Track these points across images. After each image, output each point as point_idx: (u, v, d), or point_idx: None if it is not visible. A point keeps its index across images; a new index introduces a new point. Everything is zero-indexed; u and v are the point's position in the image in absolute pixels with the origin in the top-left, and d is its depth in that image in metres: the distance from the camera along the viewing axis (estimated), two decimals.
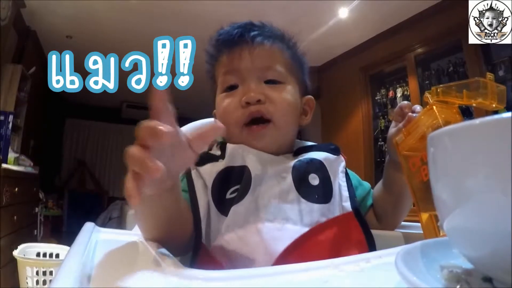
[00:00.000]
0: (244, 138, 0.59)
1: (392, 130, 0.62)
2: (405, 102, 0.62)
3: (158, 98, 0.35)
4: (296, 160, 0.59)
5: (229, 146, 0.59)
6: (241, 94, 0.60)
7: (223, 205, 0.53)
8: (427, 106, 0.54)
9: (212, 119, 0.37)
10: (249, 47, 0.61)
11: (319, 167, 0.59)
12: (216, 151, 0.62)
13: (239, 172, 0.55)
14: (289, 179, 0.56)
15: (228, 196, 0.54)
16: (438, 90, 0.53)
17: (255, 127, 0.59)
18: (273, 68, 0.62)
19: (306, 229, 0.52)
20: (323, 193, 0.56)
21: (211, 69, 0.68)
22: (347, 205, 0.57)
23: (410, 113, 0.59)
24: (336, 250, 0.51)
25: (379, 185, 0.68)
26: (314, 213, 0.54)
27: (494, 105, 0.49)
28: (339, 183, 0.59)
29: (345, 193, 0.58)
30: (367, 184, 0.71)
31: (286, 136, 0.63)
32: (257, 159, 0.57)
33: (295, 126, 0.64)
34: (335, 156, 0.62)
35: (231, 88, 0.62)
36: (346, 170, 0.63)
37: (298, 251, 0.49)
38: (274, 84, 0.61)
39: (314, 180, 0.57)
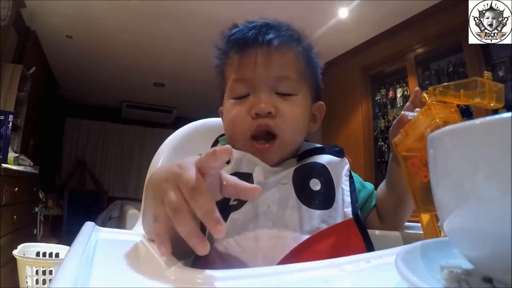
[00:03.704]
0: (248, 151, 0.58)
1: (391, 130, 0.61)
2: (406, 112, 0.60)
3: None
4: (298, 165, 0.58)
5: (234, 152, 0.57)
6: (251, 104, 0.57)
7: (225, 212, 0.52)
8: (425, 106, 0.53)
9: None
10: (264, 52, 0.58)
11: (322, 172, 0.57)
12: None
13: (243, 180, 0.54)
14: (290, 185, 0.55)
15: (231, 202, 0.53)
16: (436, 90, 0.52)
17: (260, 146, 0.57)
18: (287, 78, 0.59)
19: (305, 236, 0.51)
20: (325, 199, 0.55)
21: (220, 64, 0.65)
22: (348, 211, 0.56)
23: (406, 113, 0.58)
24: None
25: (382, 185, 0.68)
26: (314, 219, 0.53)
27: (492, 104, 0.49)
28: (342, 187, 0.58)
29: (347, 198, 0.57)
30: (370, 186, 0.70)
31: (292, 147, 0.61)
32: (262, 168, 0.56)
33: (303, 136, 0.62)
34: (339, 158, 0.61)
35: (241, 95, 0.60)
36: (350, 173, 0.61)
37: (297, 260, 0.48)
38: (286, 96, 0.59)
39: (315, 185, 0.55)
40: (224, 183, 0.37)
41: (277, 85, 0.58)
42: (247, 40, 0.58)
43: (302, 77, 0.61)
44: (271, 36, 0.58)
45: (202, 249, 0.31)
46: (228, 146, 0.34)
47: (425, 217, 0.54)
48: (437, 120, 0.50)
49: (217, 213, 0.31)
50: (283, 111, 0.57)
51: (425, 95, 0.54)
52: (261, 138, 0.57)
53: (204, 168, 0.34)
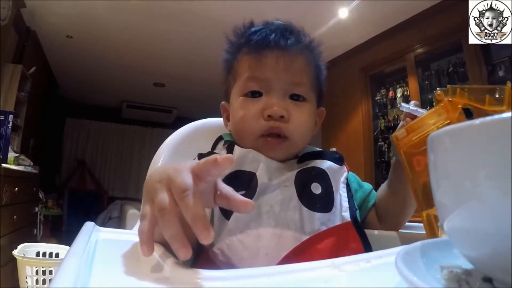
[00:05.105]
0: (258, 147, 0.59)
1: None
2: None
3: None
4: (300, 168, 0.59)
5: (237, 149, 0.58)
6: (264, 105, 0.58)
7: (226, 210, 0.53)
8: (439, 105, 0.52)
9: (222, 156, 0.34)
10: (284, 56, 0.59)
11: (322, 176, 0.58)
12: (221, 151, 0.61)
13: (247, 178, 0.55)
14: (292, 187, 0.55)
15: None
16: (456, 91, 0.50)
17: (271, 139, 0.58)
18: (302, 84, 0.60)
19: (306, 237, 0.52)
20: (325, 202, 0.56)
21: (231, 60, 0.65)
22: (346, 215, 0.57)
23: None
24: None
25: (383, 187, 0.68)
26: (315, 221, 0.53)
27: None
28: (340, 193, 0.59)
29: (345, 203, 0.58)
30: (368, 186, 0.70)
31: (298, 149, 0.63)
32: (266, 167, 0.56)
33: (308, 141, 0.64)
34: (339, 166, 0.62)
35: (253, 94, 0.60)
36: (347, 181, 0.62)
37: (297, 259, 0.49)
38: (297, 101, 0.60)
39: (316, 189, 0.56)
40: (218, 192, 0.37)
41: (292, 89, 0.60)
42: (269, 42, 0.59)
43: (312, 84, 0.63)
44: (292, 41, 0.60)
45: (183, 254, 0.30)
46: (230, 155, 0.33)
47: (425, 214, 0.53)
48: (448, 121, 0.49)
49: (206, 219, 0.30)
50: (294, 116, 0.58)
51: (440, 92, 0.52)
52: (271, 137, 0.58)
53: (202, 174, 0.34)
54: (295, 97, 0.60)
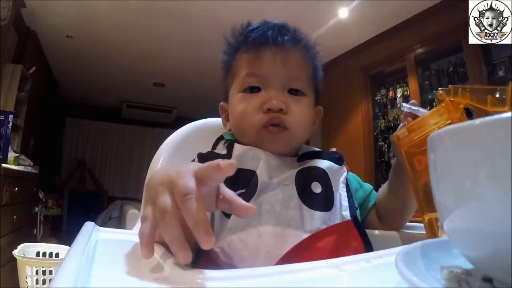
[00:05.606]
0: (259, 139, 0.59)
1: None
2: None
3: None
4: (300, 167, 0.59)
5: (238, 147, 0.59)
6: (263, 99, 0.59)
7: None
8: (439, 105, 0.52)
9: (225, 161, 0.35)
10: (282, 51, 0.60)
11: (322, 176, 0.59)
12: (222, 150, 0.62)
13: (247, 177, 0.55)
14: (292, 186, 0.56)
15: None
16: (458, 91, 0.50)
17: (272, 128, 0.59)
18: (300, 79, 0.62)
19: (306, 235, 0.52)
20: (325, 201, 0.56)
21: (229, 60, 0.66)
22: (346, 214, 0.57)
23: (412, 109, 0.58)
24: (335, 257, 0.51)
25: (384, 188, 0.68)
26: (316, 220, 0.54)
27: None
28: (340, 193, 0.59)
29: (345, 202, 0.59)
30: (368, 186, 0.71)
31: (297, 144, 0.64)
32: (266, 165, 0.56)
33: (307, 135, 0.65)
34: (338, 166, 0.62)
35: (252, 89, 0.61)
36: (346, 181, 0.63)
37: (298, 257, 0.49)
38: (296, 95, 0.61)
39: (316, 188, 0.57)
40: (221, 196, 0.36)
41: (290, 84, 0.61)
42: (267, 39, 0.60)
43: (310, 80, 0.64)
44: (289, 37, 0.61)
45: (183, 258, 0.30)
46: (233, 161, 0.33)
47: (427, 218, 0.53)
48: (450, 121, 0.49)
49: (208, 224, 0.30)
50: (293, 109, 0.59)
51: (442, 92, 0.52)
52: (272, 126, 0.59)
53: (204, 179, 0.34)
54: (293, 92, 0.61)
